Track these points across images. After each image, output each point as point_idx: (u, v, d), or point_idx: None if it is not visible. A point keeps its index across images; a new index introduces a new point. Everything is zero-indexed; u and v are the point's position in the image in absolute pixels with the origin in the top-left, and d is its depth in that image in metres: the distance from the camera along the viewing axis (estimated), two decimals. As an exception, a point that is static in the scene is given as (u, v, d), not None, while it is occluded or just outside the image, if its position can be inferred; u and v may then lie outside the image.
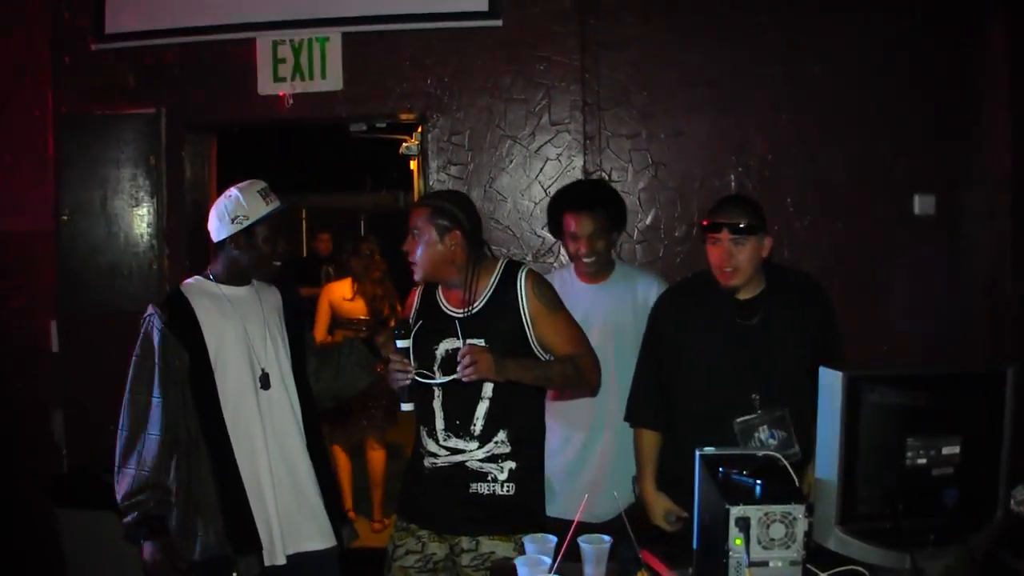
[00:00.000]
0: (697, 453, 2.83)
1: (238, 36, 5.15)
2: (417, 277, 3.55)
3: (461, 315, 3.51)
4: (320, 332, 6.89)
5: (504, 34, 5.04)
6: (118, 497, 3.37)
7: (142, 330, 3.50)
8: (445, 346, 3.51)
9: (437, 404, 3.54)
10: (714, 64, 5.06)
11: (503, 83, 5.07)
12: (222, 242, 3.55)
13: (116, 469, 3.39)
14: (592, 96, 5.05)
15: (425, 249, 3.49)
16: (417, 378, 3.43)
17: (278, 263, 3.67)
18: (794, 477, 2.71)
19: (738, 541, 2.47)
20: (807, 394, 3.38)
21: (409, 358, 3.45)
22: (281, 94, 5.13)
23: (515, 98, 5.06)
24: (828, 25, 5.04)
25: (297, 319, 3.88)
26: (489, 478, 3.48)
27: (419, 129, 5.35)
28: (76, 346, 5.34)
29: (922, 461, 2.70)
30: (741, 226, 3.42)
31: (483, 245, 3.62)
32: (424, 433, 3.59)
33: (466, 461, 3.49)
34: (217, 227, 3.55)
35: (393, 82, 5.12)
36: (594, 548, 3.06)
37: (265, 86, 5.15)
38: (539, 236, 5.07)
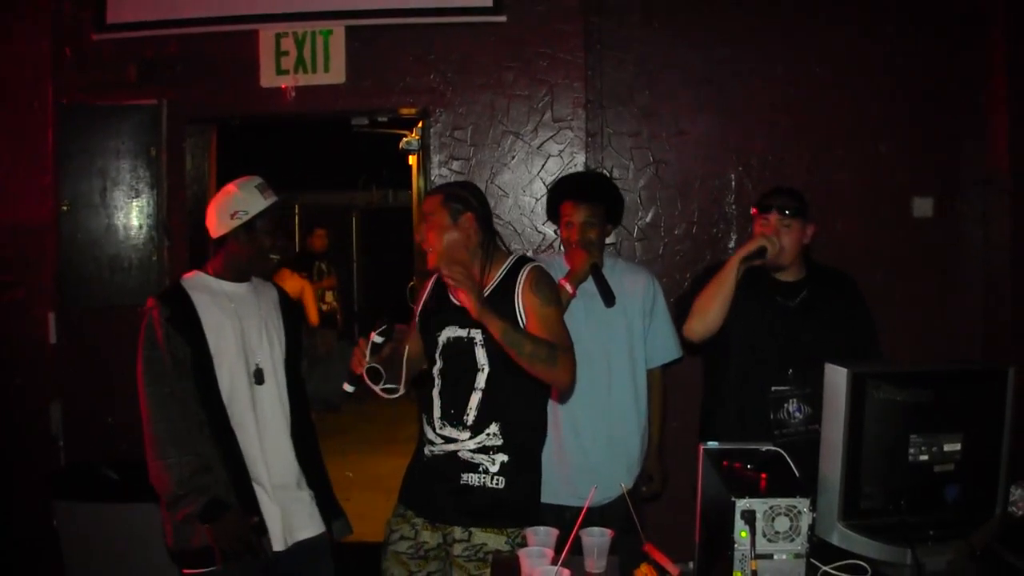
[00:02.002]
0: (701, 447, 2.84)
1: (241, 28, 5.13)
2: (432, 265, 3.57)
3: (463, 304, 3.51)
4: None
5: (508, 30, 5.04)
6: (170, 488, 3.37)
7: (144, 324, 3.51)
8: (447, 333, 3.57)
9: (435, 393, 3.59)
10: (716, 64, 5.08)
11: (506, 79, 5.07)
12: (222, 238, 3.58)
13: (156, 464, 3.39)
14: (594, 94, 5.06)
15: (439, 233, 3.52)
16: (364, 374, 3.49)
17: (276, 257, 3.72)
18: (795, 471, 2.72)
19: (743, 534, 2.48)
20: None
21: (367, 354, 3.48)
22: (283, 87, 5.12)
23: (518, 94, 5.07)
24: (829, 26, 5.06)
25: (293, 317, 3.92)
26: (480, 469, 3.51)
27: (420, 124, 5.35)
28: (75, 338, 5.33)
29: (924, 458, 2.74)
30: (788, 209, 3.71)
31: (495, 235, 3.65)
32: (424, 421, 3.65)
33: (459, 451, 3.53)
34: (217, 223, 3.58)
35: (396, 76, 5.12)
36: (595, 540, 3.08)
37: (268, 79, 5.14)
38: (540, 232, 5.07)
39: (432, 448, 3.61)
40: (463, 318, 3.48)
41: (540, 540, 3.11)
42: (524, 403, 3.59)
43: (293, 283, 8.34)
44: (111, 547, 4.82)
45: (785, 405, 3.65)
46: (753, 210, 3.85)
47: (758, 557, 2.47)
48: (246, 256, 3.61)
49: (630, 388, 4.15)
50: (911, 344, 4.89)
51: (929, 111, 5.05)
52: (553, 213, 4.25)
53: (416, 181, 5.98)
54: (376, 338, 3.51)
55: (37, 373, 5.42)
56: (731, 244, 5.02)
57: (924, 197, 5.05)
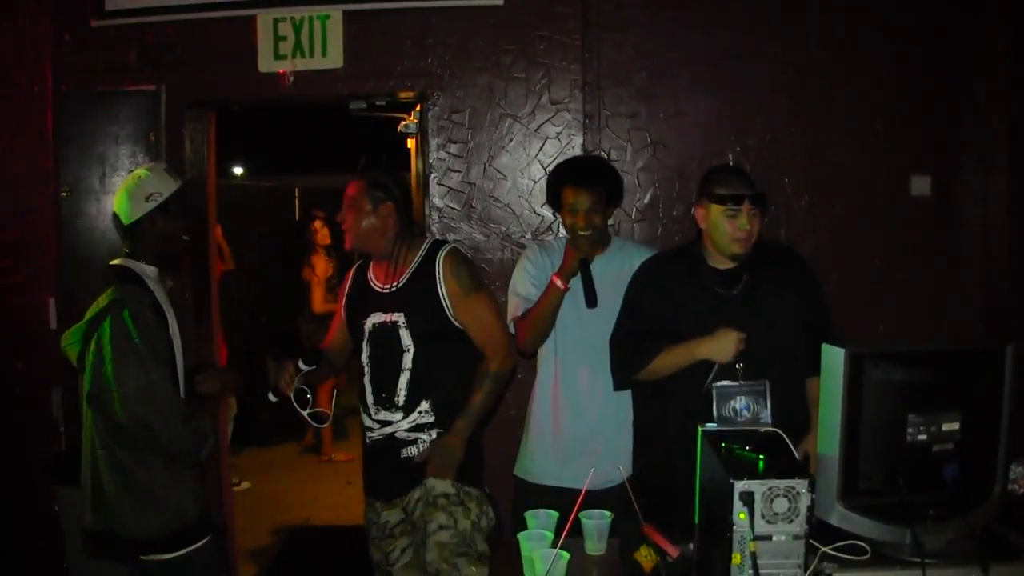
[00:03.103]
0: (700, 429, 2.85)
1: (239, 13, 5.14)
2: (348, 246, 3.77)
3: (386, 290, 3.74)
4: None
5: (505, 13, 5.04)
6: (198, 453, 3.54)
7: (122, 314, 3.47)
8: (372, 320, 3.77)
9: (366, 380, 3.77)
10: (714, 45, 5.07)
11: (504, 62, 5.07)
12: (137, 221, 3.58)
13: (179, 443, 3.47)
14: (592, 76, 5.06)
15: (358, 219, 3.72)
16: (291, 397, 3.72)
17: (187, 238, 3.76)
18: (795, 451, 2.73)
19: (742, 515, 2.47)
20: (795, 366, 3.45)
21: (291, 379, 3.72)
22: (281, 72, 5.12)
23: (515, 77, 5.07)
24: (827, 6, 5.05)
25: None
26: (418, 443, 3.69)
27: (418, 107, 5.35)
28: (75, 323, 5.32)
29: (923, 437, 2.73)
30: (760, 197, 3.52)
31: (413, 224, 3.86)
32: (362, 410, 3.82)
33: (395, 432, 3.71)
34: (131, 207, 3.58)
35: (394, 60, 5.11)
36: (595, 523, 3.10)
37: (266, 64, 5.14)
38: (538, 214, 5.07)
39: (371, 434, 3.78)
40: (385, 303, 3.71)
41: (540, 523, 3.13)
42: (452, 378, 3.75)
43: (325, 265, 8.68)
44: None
45: (731, 402, 3.37)
46: (697, 207, 3.66)
47: (757, 538, 2.47)
48: (163, 237, 3.62)
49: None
50: (909, 323, 4.91)
51: (927, 89, 5.05)
52: (554, 199, 4.24)
53: (415, 164, 5.99)
54: (304, 367, 3.70)
55: (38, 358, 5.43)
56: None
57: (922, 176, 5.04)
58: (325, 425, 3.70)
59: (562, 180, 4.16)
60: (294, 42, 5.09)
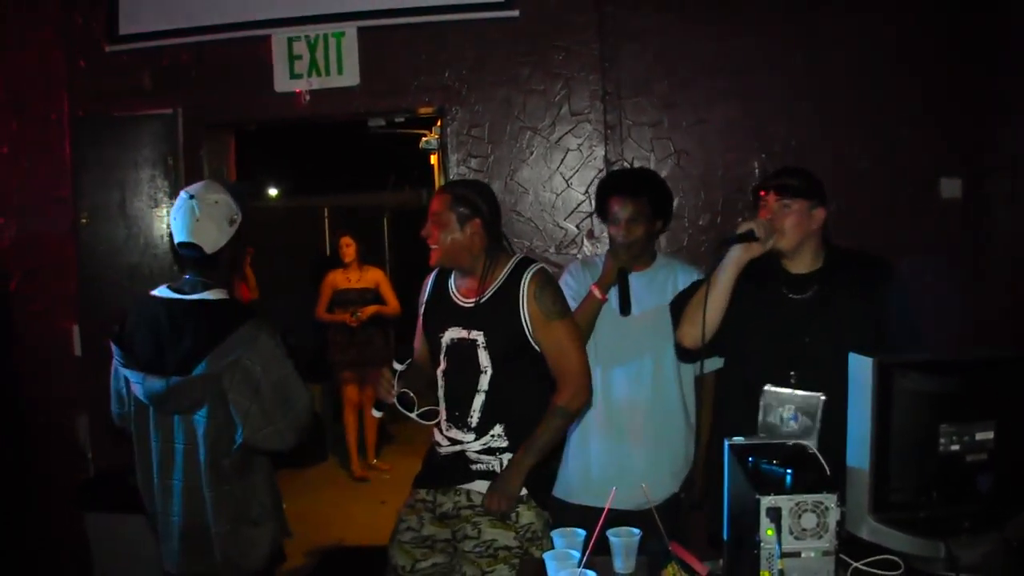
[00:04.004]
0: (725, 442, 2.78)
1: (253, 33, 5.13)
2: (434, 262, 3.61)
3: (467, 305, 3.60)
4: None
5: (521, 25, 5.00)
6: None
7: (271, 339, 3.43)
8: (450, 334, 3.62)
9: (440, 395, 3.66)
10: (735, 50, 5.01)
11: (521, 74, 5.03)
12: (221, 249, 3.43)
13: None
14: (612, 85, 5.01)
15: (444, 235, 3.54)
16: (396, 402, 3.61)
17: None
18: (824, 465, 2.66)
19: (769, 532, 2.42)
20: None
21: (392, 384, 3.57)
22: (298, 91, 5.10)
23: (534, 89, 5.03)
24: (848, 9, 4.98)
25: None
26: (489, 467, 3.56)
27: (438, 123, 5.32)
28: (99, 349, 5.30)
29: (955, 447, 2.65)
30: (787, 188, 3.43)
31: (502, 238, 3.69)
32: (434, 424, 3.71)
33: (465, 451, 3.58)
34: (217, 235, 3.40)
35: (410, 76, 5.09)
36: (623, 541, 3.04)
37: (282, 83, 5.13)
38: (561, 228, 5.02)
39: (440, 449, 3.67)
40: (465, 319, 3.57)
41: (567, 542, 3.08)
42: (528, 404, 3.59)
43: (374, 274, 8.68)
44: (141, 557, 4.82)
45: (779, 411, 3.33)
46: (761, 192, 3.60)
47: (785, 555, 2.42)
48: (235, 261, 3.54)
49: (677, 389, 4.09)
50: (938, 329, 4.81)
51: (955, 92, 4.95)
52: (603, 212, 4.18)
53: (438, 180, 5.96)
54: (397, 366, 3.58)
55: (62, 385, 5.45)
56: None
57: (952, 178, 4.95)
58: (435, 421, 3.62)
59: (607, 190, 4.13)
60: (309, 60, 5.08)
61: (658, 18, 5.03)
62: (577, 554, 2.94)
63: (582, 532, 3.09)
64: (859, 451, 2.70)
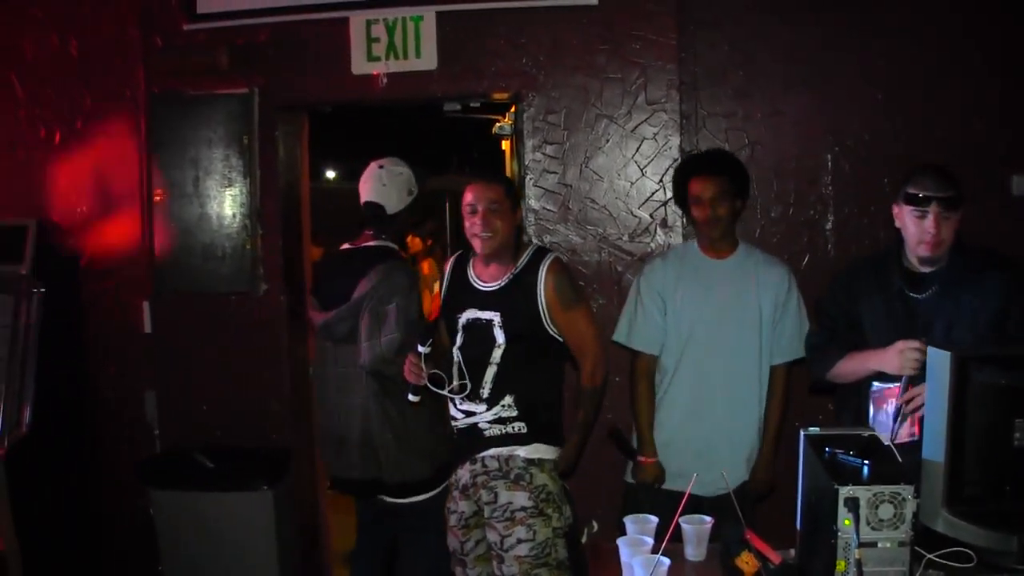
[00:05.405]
0: (801, 433, 2.83)
1: (332, 15, 5.12)
2: (487, 250, 3.82)
3: (486, 289, 3.83)
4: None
5: (599, 12, 4.98)
6: None
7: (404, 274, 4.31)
8: (467, 315, 3.86)
9: (455, 370, 3.83)
10: (810, 41, 5.00)
11: (598, 62, 5.01)
12: (398, 211, 4.42)
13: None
14: (688, 75, 5.01)
15: (505, 223, 3.78)
16: (428, 383, 3.76)
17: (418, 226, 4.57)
18: (898, 457, 2.69)
19: (847, 522, 2.46)
20: None
21: (423, 364, 3.74)
22: (375, 73, 5.10)
23: (611, 77, 5.01)
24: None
25: None
26: (501, 432, 3.79)
27: (512, 108, 5.33)
28: (168, 327, 5.37)
29: (1030, 442, 2.67)
30: (951, 199, 3.40)
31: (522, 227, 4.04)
32: (448, 399, 3.88)
33: (477, 423, 3.79)
34: (397, 199, 4.41)
35: (488, 61, 5.08)
36: (695, 528, 3.09)
37: (359, 65, 5.12)
38: (635, 216, 5.02)
39: (455, 423, 3.88)
40: (483, 301, 3.81)
41: (639, 528, 3.11)
42: (537, 380, 3.85)
43: (413, 243, 8.99)
44: (207, 535, 4.89)
45: (884, 407, 3.44)
46: (894, 205, 3.62)
47: (862, 545, 2.45)
48: (408, 224, 4.62)
49: (755, 379, 4.13)
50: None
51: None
52: (681, 198, 4.26)
53: (510, 165, 5.96)
54: (421, 348, 3.75)
55: (132, 362, 5.50)
56: (828, 225, 4.95)
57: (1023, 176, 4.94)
58: (465, 393, 3.78)
59: (687, 172, 4.20)
60: (387, 43, 5.07)
61: (735, 8, 5.03)
62: (650, 540, 2.97)
63: (654, 518, 3.14)
64: (935, 444, 2.74)
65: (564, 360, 4.01)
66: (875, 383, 3.46)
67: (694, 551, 3.11)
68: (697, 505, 3.33)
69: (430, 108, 5.52)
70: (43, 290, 5.02)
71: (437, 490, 4.23)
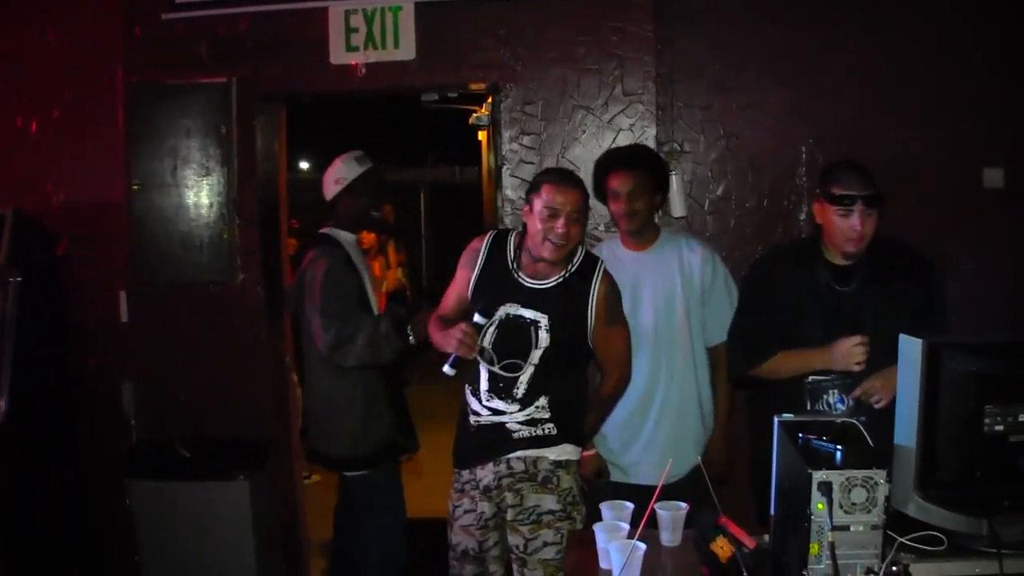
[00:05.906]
0: (776, 419, 2.84)
1: (311, 5, 5.12)
2: (556, 257, 3.69)
3: (535, 286, 3.73)
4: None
5: (578, 4, 5.01)
6: (402, 336, 4.43)
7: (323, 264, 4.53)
8: (506, 309, 3.71)
9: (483, 366, 3.72)
10: (787, 35, 5.04)
11: (577, 53, 5.03)
12: (331, 200, 4.69)
13: (379, 340, 4.43)
14: (665, 67, 5.03)
15: (579, 232, 3.72)
16: (479, 357, 3.65)
17: (377, 213, 4.93)
18: (870, 441, 2.72)
19: (820, 506, 2.49)
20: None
21: (476, 338, 3.56)
22: (353, 63, 5.11)
23: (589, 68, 5.03)
24: (901, -4, 5.00)
25: None
26: (531, 434, 3.71)
27: (490, 99, 5.34)
28: (146, 317, 5.36)
29: (1000, 428, 2.70)
30: (873, 197, 3.49)
31: None
32: (468, 392, 3.81)
33: (506, 423, 3.69)
34: (326, 188, 4.70)
35: (466, 52, 5.09)
36: (671, 514, 3.10)
37: (337, 55, 5.13)
38: (610, 206, 5.04)
39: (478, 419, 3.76)
40: (527, 298, 3.69)
41: (615, 514, 3.13)
42: (571, 383, 3.79)
43: (368, 238, 8.93)
44: (185, 524, 4.88)
45: (824, 396, 3.54)
46: (815, 202, 3.69)
47: (835, 529, 2.48)
48: (351, 211, 4.70)
49: (690, 364, 4.19)
50: (978, 316, 4.86)
51: (1000, 81, 4.97)
52: (600, 191, 4.29)
53: (486, 156, 5.97)
54: (480, 319, 3.59)
55: (109, 352, 5.49)
56: (802, 217, 4.98)
57: (995, 168, 4.98)
58: (517, 374, 3.68)
59: (605, 168, 4.25)
60: (366, 33, 5.07)
61: (714, 1, 5.07)
62: (626, 526, 3.00)
63: (630, 505, 3.16)
64: (907, 430, 2.76)
65: (590, 363, 3.98)
66: (811, 376, 3.55)
67: (669, 536, 3.13)
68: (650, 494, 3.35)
69: (408, 98, 5.52)
70: (20, 279, 4.98)
71: (374, 469, 4.65)
